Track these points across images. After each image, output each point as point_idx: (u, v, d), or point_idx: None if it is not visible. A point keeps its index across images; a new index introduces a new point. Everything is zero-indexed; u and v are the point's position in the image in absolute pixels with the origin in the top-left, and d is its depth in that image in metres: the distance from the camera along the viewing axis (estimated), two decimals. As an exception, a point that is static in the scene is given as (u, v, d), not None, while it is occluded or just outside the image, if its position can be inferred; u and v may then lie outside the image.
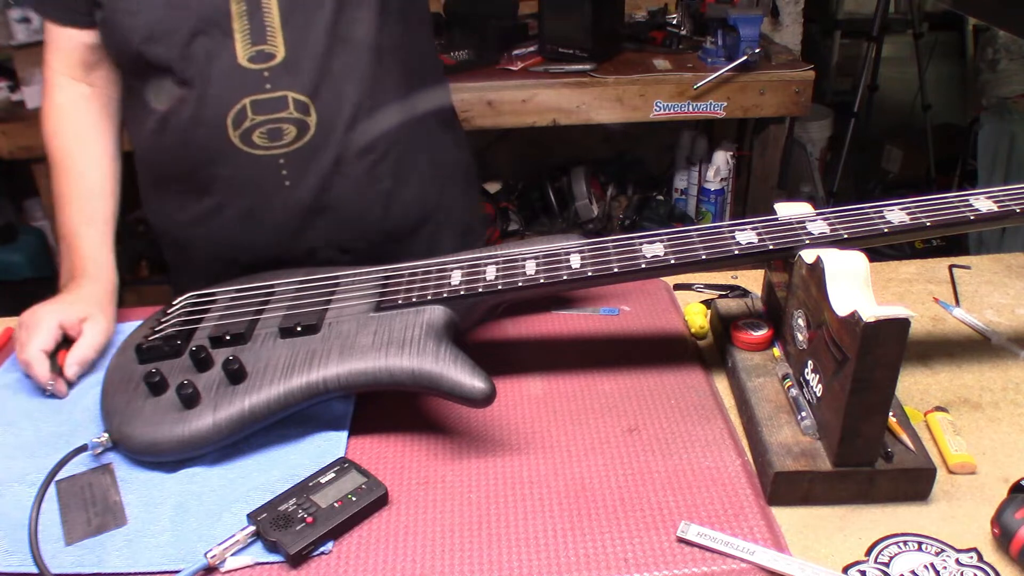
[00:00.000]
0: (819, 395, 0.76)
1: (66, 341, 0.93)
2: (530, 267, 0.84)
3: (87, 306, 0.95)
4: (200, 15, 0.95)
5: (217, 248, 1.09)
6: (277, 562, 0.69)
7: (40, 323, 0.91)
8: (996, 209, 0.81)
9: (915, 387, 0.89)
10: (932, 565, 0.67)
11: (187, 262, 1.16)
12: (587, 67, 2.28)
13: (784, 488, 0.73)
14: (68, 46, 1.05)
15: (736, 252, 0.81)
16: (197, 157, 1.03)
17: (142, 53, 0.98)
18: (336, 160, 1.03)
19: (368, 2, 0.99)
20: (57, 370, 0.90)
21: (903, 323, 0.67)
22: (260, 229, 1.02)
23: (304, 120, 0.99)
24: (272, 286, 0.94)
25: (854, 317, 0.67)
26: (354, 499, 0.73)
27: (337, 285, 0.91)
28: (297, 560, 0.69)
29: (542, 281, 0.83)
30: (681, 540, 0.70)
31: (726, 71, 2.31)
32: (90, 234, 1.02)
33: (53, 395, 0.89)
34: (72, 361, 0.91)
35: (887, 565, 0.67)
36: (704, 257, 0.81)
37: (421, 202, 1.13)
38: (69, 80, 1.07)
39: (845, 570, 0.67)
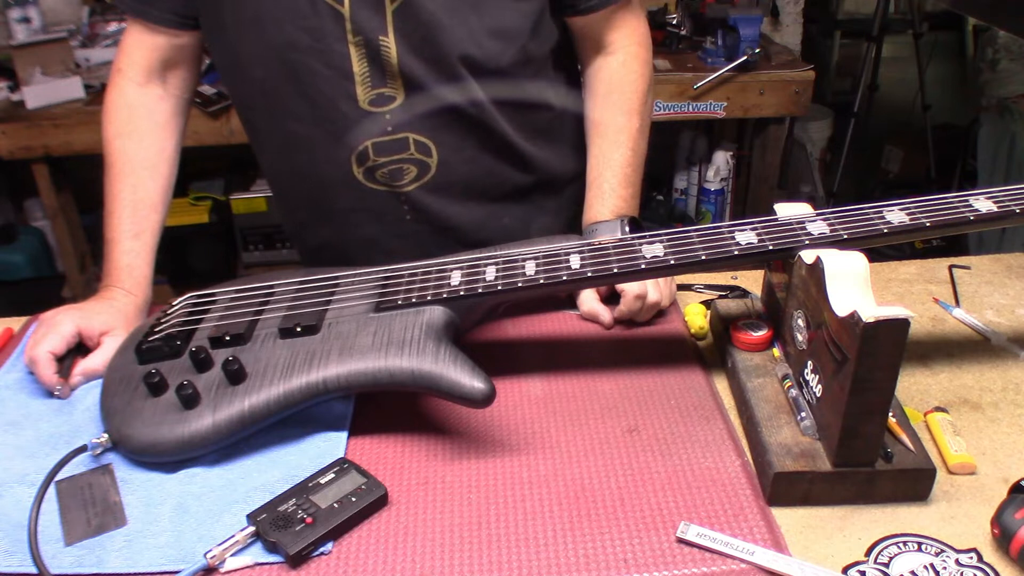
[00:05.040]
0: (819, 395, 0.76)
1: (81, 347, 0.93)
2: (530, 268, 0.84)
3: (112, 319, 0.95)
4: (322, 59, 0.95)
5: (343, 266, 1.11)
6: (277, 562, 0.69)
7: (57, 325, 0.90)
8: (996, 209, 0.81)
9: (915, 387, 0.89)
10: (932, 566, 0.67)
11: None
12: (587, 67, 2.27)
13: (784, 488, 0.73)
14: (153, 44, 1.05)
15: (736, 252, 0.81)
16: (320, 190, 1.06)
17: (263, 89, 1.00)
18: (456, 199, 1.06)
19: (488, 43, 0.98)
20: (66, 374, 0.89)
21: (903, 323, 0.67)
22: (383, 256, 1.04)
23: (425, 161, 1.01)
24: (272, 287, 0.94)
25: (854, 317, 0.67)
26: (354, 500, 0.73)
27: (337, 286, 0.91)
28: (297, 560, 0.69)
29: (542, 281, 0.83)
30: (681, 540, 0.70)
31: (726, 71, 2.32)
32: (135, 247, 1.01)
33: (57, 396, 0.89)
34: (79, 371, 0.90)
35: (887, 566, 0.67)
36: (704, 257, 0.81)
37: (542, 231, 1.13)
38: (144, 80, 1.06)
39: (845, 570, 0.67)
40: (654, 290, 0.98)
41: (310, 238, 1.16)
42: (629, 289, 0.96)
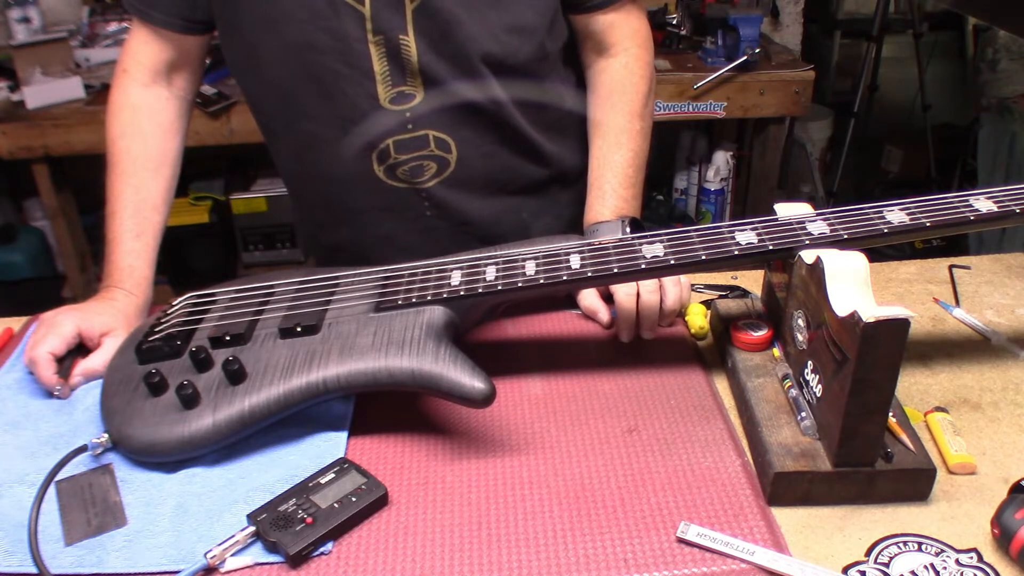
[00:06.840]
0: (819, 395, 0.76)
1: (81, 347, 0.93)
2: (530, 267, 0.84)
3: (113, 320, 0.95)
4: (343, 59, 0.95)
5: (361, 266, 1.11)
6: (277, 562, 0.69)
7: (58, 326, 0.90)
8: (996, 209, 0.81)
9: (915, 387, 0.89)
10: (932, 566, 0.67)
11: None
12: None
13: (784, 488, 0.73)
14: (159, 47, 1.04)
15: (736, 252, 0.81)
16: (339, 190, 1.06)
17: (281, 90, 1.00)
18: (475, 194, 1.06)
19: (507, 39, 0.98)
20: (65, 374, 0.89)
21: (903, 323, 0.67)
22: (401, 253, 1.04)
23: (445, 157, 1.02)
24: (272, 286, 0.94)
25: (854, 317, 0.67)
26: (354, 499, 0.73)
27: (337, 286, 0.91)
28: (297, 560, 0.69)
29: (542, 281, 0.83)
30: (681, 540, 0.70)
31: (726, 71, 2.32)
32: (136, 248, 1.01)
33: (57, 396, 0.89)
34: (79, 371, 0.90)
35: (887, 566, 0.67)
36: (704, 257, 0.81)
37: (553, 226, 1.15)
38: (149, 80, 1.06)
39: (845, 570, 0.67)
40: (673, 290, 0.97)
41: (327, 238, 1.16)
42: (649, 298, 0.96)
